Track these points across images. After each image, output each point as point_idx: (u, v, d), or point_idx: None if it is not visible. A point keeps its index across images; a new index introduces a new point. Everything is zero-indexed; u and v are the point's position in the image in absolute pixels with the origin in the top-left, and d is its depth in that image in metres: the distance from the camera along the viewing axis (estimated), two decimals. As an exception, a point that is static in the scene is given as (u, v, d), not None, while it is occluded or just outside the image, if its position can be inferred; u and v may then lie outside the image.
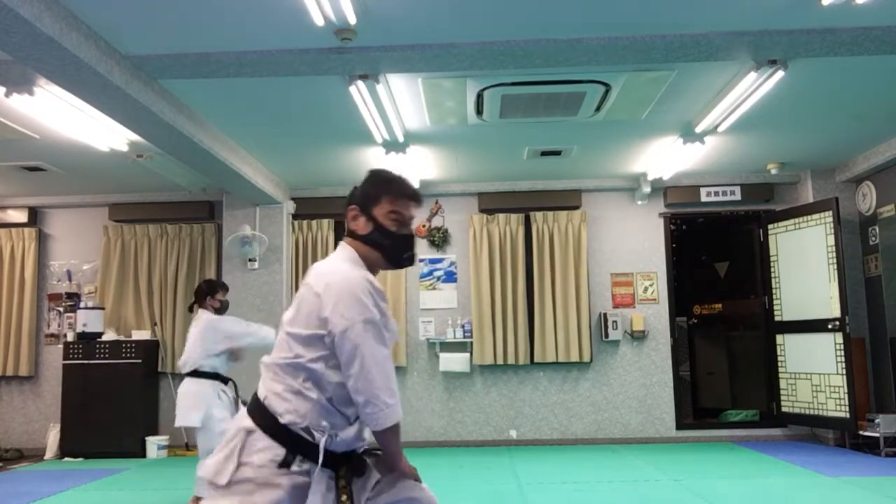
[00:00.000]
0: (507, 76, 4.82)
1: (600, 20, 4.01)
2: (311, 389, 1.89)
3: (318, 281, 1.94)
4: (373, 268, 2.06)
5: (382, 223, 2.04)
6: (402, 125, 5.73)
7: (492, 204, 7.89)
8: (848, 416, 6.69)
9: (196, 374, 4.82)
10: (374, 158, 6.60)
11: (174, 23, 3.93)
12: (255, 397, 1.95)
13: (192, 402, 4.75)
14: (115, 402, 7.33)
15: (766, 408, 7.86)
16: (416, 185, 8.41)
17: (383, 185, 2.08)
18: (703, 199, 7.80)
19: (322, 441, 1.87)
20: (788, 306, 7.41)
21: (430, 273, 7.91)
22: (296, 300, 1.98)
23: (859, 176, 7.32)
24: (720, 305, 9.15)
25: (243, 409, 1.97)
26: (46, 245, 8.20)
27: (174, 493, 5.50)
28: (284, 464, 1.85)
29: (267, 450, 1.85)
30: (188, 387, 4.81)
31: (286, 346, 1.93)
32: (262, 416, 1.89)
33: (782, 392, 7.44)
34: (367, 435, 2.01)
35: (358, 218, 2.07)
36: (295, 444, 1.86)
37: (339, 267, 2.00)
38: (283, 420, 1.87)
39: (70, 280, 8.12)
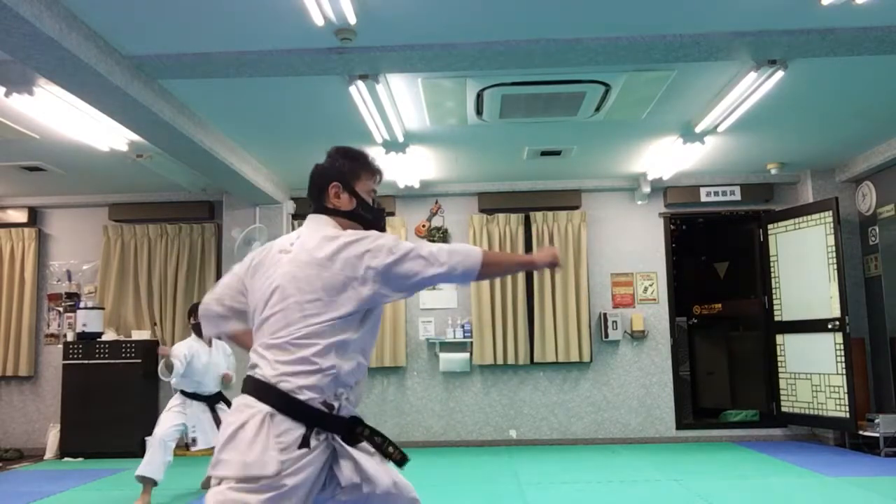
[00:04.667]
0: (507, 76, 4.82)
1: (600, 20, 4.01)
2: (329, 358, 1.89)
3: (350, 240, 1.97)
4: None
5: (364, 198, 2.15)
6: (402, 125, 5.73)
7: (492, 204, 7.88)
8: (848, 416, 6.69)
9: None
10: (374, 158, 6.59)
11: (174, 23, 3.93)
12: (261, 381, 1.90)
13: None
14: (114, 402, 7.32)
15: (766, 408, 7.85)
16: (416, 185, 8.35)
17: (359, 161, 2.18)
18: (703, 199, 7.80)
19: (344, 409, 1.92)
20: (788, 306, 7.41)
21: (430, 273, 7.89)
22: (301, 271, 1.95)
23: (859, 176, 7.32)
24: (720, 305, 9.14)
25: (245, 397, 1.91)
26: (46, 245, 8.20)
27: (174, 492, 5.49)
28: (305, 443, 1.84)
29: (289, 432, 1.83)
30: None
31: (300, 319, 1.90)
32: (278, 398, 1.86)
33: (782, 392, 7.44)
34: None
35: (341, 194, 2.13)
36: (314, 419, 1.86)
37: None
38: (302, 397, 1.86)
39: (70, 280, 8.12)
